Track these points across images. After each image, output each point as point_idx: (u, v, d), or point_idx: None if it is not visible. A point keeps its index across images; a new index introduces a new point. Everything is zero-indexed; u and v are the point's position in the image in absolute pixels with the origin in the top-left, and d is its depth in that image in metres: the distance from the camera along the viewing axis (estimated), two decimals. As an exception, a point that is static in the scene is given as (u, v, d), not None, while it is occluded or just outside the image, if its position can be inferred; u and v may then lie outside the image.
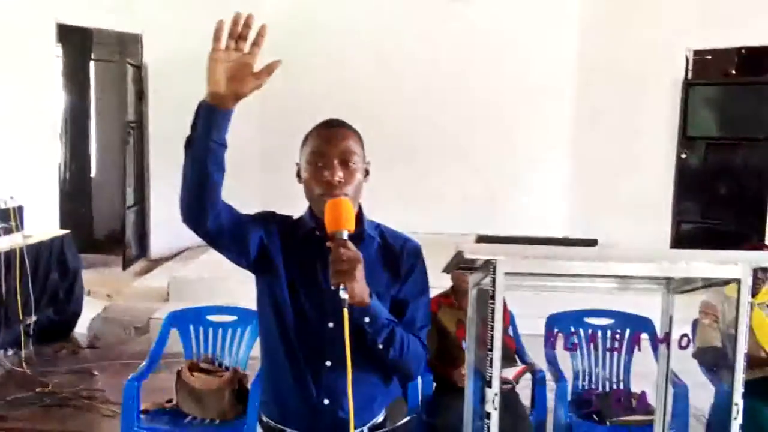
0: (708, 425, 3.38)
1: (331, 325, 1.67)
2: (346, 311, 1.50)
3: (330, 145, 1.68)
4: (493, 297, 1.87)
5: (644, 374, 3.60)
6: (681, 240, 7.37)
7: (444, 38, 7.72)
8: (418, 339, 1.72)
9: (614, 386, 3.47)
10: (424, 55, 7.77)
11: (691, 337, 3.36)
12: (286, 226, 1.78)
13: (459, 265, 2.12)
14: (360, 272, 1.53)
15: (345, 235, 1.57)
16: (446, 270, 2.20)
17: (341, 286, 1.51)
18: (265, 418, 1.78)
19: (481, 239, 1.99)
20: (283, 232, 1.76)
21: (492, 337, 1.92)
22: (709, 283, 2.18)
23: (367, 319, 1.59)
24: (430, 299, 1.85)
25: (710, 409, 3.33)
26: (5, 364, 4.63)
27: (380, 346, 1.63)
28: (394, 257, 1.75)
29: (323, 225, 1.66)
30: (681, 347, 2.01)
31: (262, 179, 7.62)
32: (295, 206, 1.85)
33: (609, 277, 2.15)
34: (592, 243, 2.42)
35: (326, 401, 1.67)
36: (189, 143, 1.55)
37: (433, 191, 7.76)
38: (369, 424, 1.74)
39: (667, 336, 2.24)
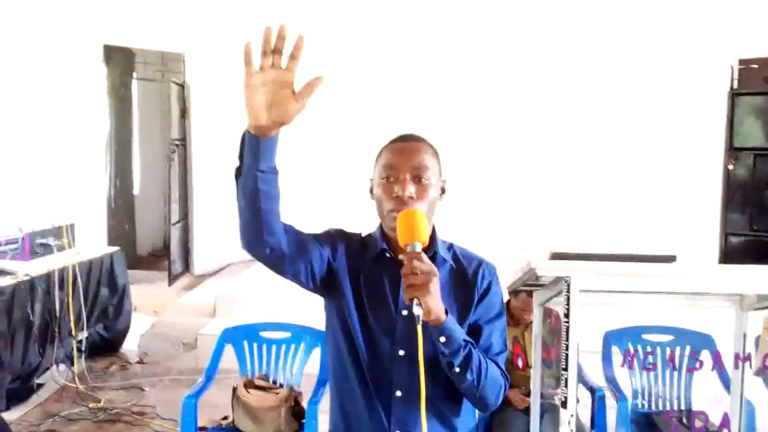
0: (774, 446, 3.26)
1: (401, 353, 1.59)
2: (420, 328, 1.40)
3: (402, 159, 1.60)
4: (567, 315, 1.85)
5: (703, 392, 3.52)
6: (729, 253, 7.22)
7: (484, 46, 7.66)
8: (496, 365, 1.62)
9: (675, 405, 3.38)
10: (478, 62, 7.70)
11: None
12: (354, 246, 1.70)
13: (527, 282, 2.09)
14: (435, 286, 1.43)
15: (419, 248, 1.47)
16: (511, 287, 2.18)
17: (415, 302, 1.41)
18: None
19: (556, 256, 1.94)
20: (351, 253, 1.68)
21: (567, 356, 1.89)
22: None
23: (442, 339, 1.48)
24: (506, 324, 1.73)
25: (776, 429, 3.22)
26: (58, 380, 4.69)
27: (456, 370, 1.51)
28: (467, 281, 1.66)
29: (394, 245, 1.61)
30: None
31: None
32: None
33: (682, 294, 2.11)
34: (671, 259, 2.35)
35: None
36: (238, 173, 1.45)
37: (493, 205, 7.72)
38: None
39: (741, 355, 2.19)
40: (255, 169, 1.41)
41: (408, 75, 7.64)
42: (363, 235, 1.76)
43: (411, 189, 1.57)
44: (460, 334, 1.52)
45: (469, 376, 1.53)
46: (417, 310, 1.41)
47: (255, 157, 1.40)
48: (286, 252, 1.54)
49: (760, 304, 2.16)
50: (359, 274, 1.65)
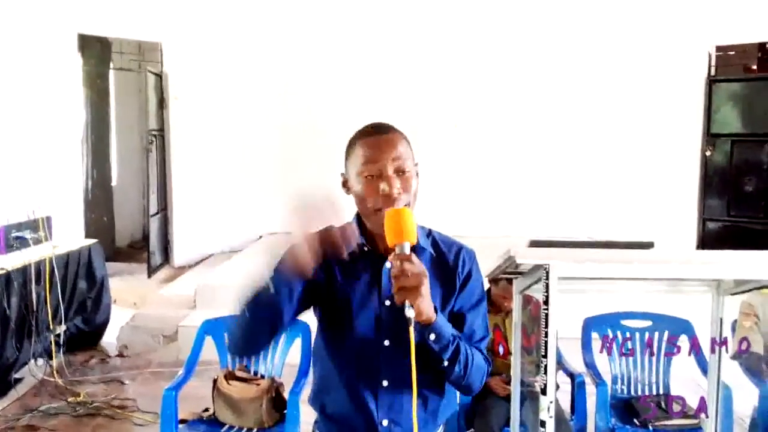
0: (751, 427, 3.31)
1: (386, 343, 1.60)
2: (412, 330, 1.41)
3: (382, 154, 1.54)
4: (546, 302, 1.85)
5: (680, 377, 3.57)
6: (707, 239, 7.31)
7: (467, 34, 7.64)
8: (479, 351, 1.65)
9: (653, 389, 3.42)
10: (460, 50, 7.69)
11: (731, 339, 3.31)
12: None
13: (507, 270, 2.09)
14: (426, 288, 1.43)
15: (407, 248, 1.45)
16: (491, 275, 2.17)
17: (407, 304, 1.41)
18: None
19: (535, 244, 1.94)
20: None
21: (546, 343, 1.89)
22: (761, 285, 2.14)
23: (432, 336, 1.50)
24: (487, 309, 1.75)
25: (753, 412, 3.27)
26: (37, 374, 4.64)
27: (445, 363, 1.55)
28: (448, 268, 1.66)
29: (373, 239, 1.61)
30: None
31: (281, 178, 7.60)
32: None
33: (660, 280, 2.12)
34: (649, 245, 2.36)
35: (385, 422, 1.60)
36: (254, 303, 1.50)
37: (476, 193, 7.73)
38: None
39: (717, 340, 2.21)
40: (279, 303, 1.50)
41: (389, 62, 7.62)
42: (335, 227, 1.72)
43: (398, 185, 1.54)
44: (449, 329, 1.55)
45: (457, 368, 1.56)
46: (409, 313, 1.41)
47: (289, 295, 1.52)
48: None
49: (737, 288, 2.18)
50: (333, 269, 1.62)
